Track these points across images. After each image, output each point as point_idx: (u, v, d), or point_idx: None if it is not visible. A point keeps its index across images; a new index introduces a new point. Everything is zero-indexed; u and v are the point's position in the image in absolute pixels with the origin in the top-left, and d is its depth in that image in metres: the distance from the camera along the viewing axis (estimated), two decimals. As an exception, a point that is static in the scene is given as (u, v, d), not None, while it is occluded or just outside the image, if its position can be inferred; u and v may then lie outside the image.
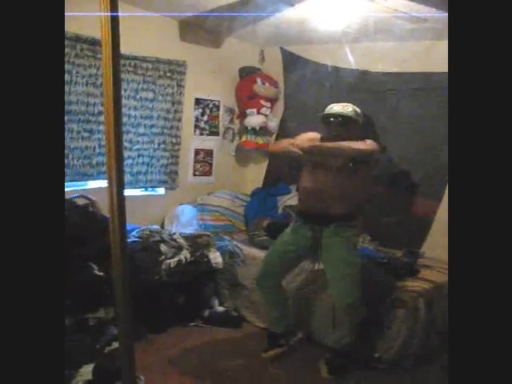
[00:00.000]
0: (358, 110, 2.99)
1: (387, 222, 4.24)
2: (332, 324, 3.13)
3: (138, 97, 4.07)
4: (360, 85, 4.40)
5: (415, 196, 4.16)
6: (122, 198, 1.79)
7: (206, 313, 3.73)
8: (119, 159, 1.73)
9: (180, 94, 4.37)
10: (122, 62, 3.87)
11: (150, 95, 4.16)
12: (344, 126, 2.91)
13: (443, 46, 3.82)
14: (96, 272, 2.75)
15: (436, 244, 4.08)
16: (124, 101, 3.95)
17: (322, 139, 2.98)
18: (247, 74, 4.84)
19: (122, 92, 3.92)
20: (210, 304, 3.80)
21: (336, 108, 2.95)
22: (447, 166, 4.15)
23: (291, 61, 4.84)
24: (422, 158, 4.13)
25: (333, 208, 2.94)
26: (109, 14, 1.31)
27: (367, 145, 2.86)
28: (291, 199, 4.58)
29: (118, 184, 1.75)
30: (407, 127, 4.20)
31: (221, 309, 3.83)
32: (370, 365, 3.19)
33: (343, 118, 2.90)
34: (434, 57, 3.98)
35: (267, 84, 4.81)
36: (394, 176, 4.22)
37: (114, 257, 1.81)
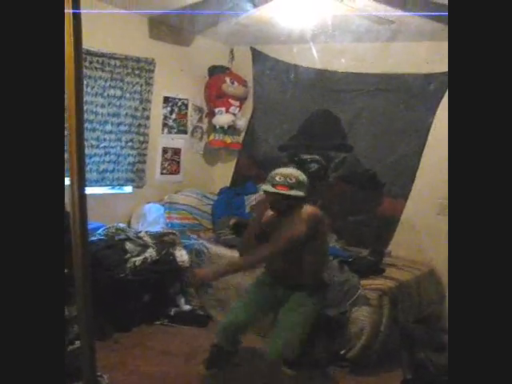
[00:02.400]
0: (300, 178, 2.70)
1: (353, 221, 4.31)
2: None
3: (105, 94, 4.03)
4: (328, 84, 4.47)
5: (381, 195, 4.24)
6: (83, 196, 1.79)
7: (172, 311, 3.72)
8: (80, 156, 1.72)
9: (148, 92, 4.34)
10: (90, 58, 3.83)
11: (118, 93, 4.12)
12: (286, 201, 2.66)
13: (411, 48, 3.97)
14: (59, 270, 2.70)
15: (402, 243, 4.16)
16: (91, 98, 3.91)
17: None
18: (216, 73, 4.83)
19: (89, 89, 3.87)
20: (176, 302, 3.78)
21: (278, 179, 2.65)
22: (413, 165, 4.28)
23: (261, 60, 4.87)
24: (388, 157, 4.21)
25: (298, 279, 2.79)
26: (70, 10, 1.29)
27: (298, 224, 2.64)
28: (259, 198, 4.61)
29: (80, 181, 1.74)
30: (374, 127, 4.28)
31: (187, 307, 3.82)
32: (334, 362, 3.23)
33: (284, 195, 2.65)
34: (401, 58, 4.08)
35: (236, 83, 4.82)
36: (360, 175, 4.29)
37: (74, 255, 1.80)
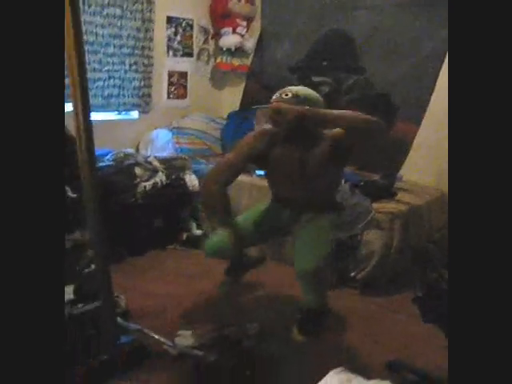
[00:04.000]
0: (300, 92, 2.37)
1: (365, 146, 4.23)
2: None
3: (104, 13, 3.84)
4: (340, 1, 4.24)
5: (394, 119, 4.12)
6: (88, 122, 1.73)
7: (184, 236, 3.75)
8: (83, 80, 1.63)
9: (150, 11, 4.15)
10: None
11: (118, 12, 3.93)
12: (297, 121, 2.31)
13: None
14: (69, 194, 2.69)
15: (414, 167, 4.11)
16: (89, 17, 3.73)
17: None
18: (222, -10, 4.60)
19: (86, 8, 3.69)
20: (187, 227, 3.81)
21: (275, 96, 2.38)
22: (428, 89, 4.11)
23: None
24: (402, 80, 4.06)
25: (311, 199, 2.59)
26: None
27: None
28: (269, 122, 4.51)
29: (84, 106, 1.68)
30: (389, 47, 4.09)
31: (198, 232, 3.84)
32: (344, 284, 3.27)
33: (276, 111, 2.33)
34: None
35: (243, 1, 4.59)
36: (372, 98, 4.16)
37: (83, 179, 1.77)
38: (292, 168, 2.50)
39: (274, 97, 2.40)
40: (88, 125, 1.71)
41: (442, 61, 3.87)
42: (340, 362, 1.72)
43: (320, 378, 1.74)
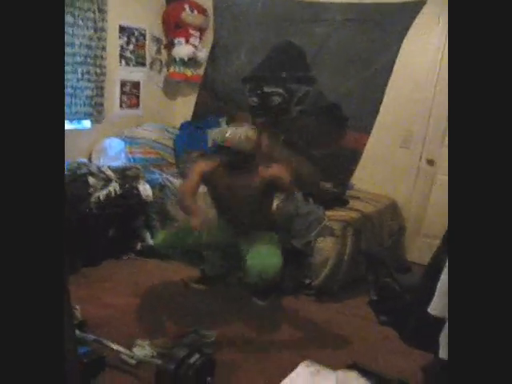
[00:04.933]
0: (249, 134, 2.87)
1: (317, 155, 4.32)
2: None
3: (56, 21, 3.78)
4: (292, 14, 4.34)
5: (345, 129, 4.24)
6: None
7: (138, 246, 3.72)
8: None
9: (102, 20, 4.09)
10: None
11: (70, 19, 3.85)
12: (239, 155, 2.86)
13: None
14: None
15: (365, 176, 4.22)
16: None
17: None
18: (175, 0, 4.61)
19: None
20: (141, 237, 3.77)
21: (228, 135, 2.85)
22: (378, 100, 4.23)
23: (221, -13, 4.65)
24: (353, 90, 4.18)
25: (251, 219, 2.99)
26: None
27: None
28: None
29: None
30: (339, 59, 4.21)
31: (152, 241, 3.81)
32: (300, 291, 3.32)
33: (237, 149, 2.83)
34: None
35: (196, 12, 4.61)
36: (323, 109, 4.27)
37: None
38: (234, 194, 2.90)
39: (227, 134, 2.84)
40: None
41: (390, 72, 4.03)
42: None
43: (279, 382, 1.77)
